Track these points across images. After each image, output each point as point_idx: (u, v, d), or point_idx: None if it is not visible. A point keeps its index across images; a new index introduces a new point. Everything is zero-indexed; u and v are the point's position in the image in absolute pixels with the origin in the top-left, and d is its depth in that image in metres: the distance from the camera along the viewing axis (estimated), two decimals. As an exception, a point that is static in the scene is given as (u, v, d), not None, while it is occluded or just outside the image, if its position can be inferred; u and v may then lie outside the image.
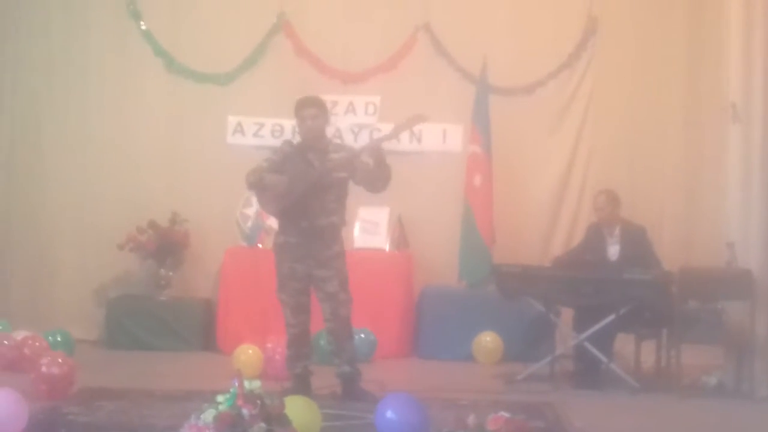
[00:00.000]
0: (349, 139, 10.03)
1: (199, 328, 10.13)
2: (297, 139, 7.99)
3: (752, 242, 8.29)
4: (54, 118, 10.64)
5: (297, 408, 5.54)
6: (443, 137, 10.32)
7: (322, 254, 7.57)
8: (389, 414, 6.04)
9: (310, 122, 7.66)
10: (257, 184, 7.61)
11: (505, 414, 5.21)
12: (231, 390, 4.95)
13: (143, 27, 10.65)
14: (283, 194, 7.49)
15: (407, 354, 9.93)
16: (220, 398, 4.96)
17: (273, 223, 10.01)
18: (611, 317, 8.33)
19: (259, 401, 4.93)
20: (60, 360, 7.55)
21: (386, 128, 9.99)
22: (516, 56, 10.56)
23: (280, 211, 7.66)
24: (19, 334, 8.99)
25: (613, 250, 8.87)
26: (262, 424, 4.86)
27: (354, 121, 10.36)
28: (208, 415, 4.88)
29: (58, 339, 9.15)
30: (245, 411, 4.87)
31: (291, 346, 7.73)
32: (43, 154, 10.67)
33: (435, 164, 10.25)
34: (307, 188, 7.45)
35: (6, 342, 8.77)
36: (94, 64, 10.67)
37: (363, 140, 10.05)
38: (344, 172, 7.59)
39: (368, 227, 10.10)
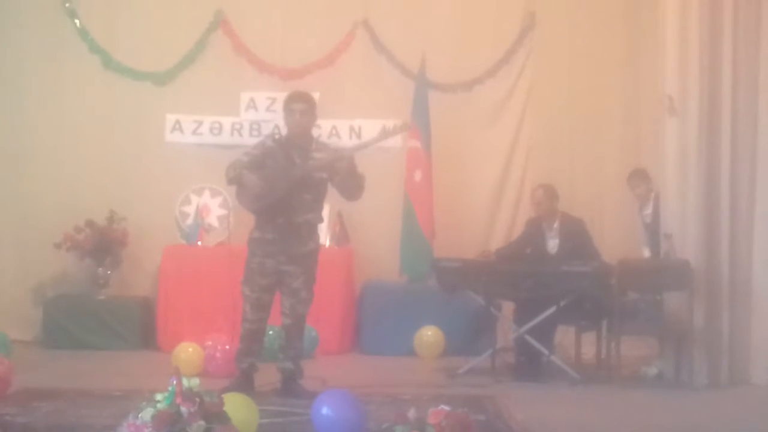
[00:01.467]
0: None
1: (139, 327, 10.06)
2: (279, 134, 7.87)
3: (689, 233, 8.38)
4: (-12, 116, 10.52)
5: (236, 405, 5.50)
6: (393, 129, 10.31)
7: (295, 250, 7.52)
8: (325, 410, 6.03)
9: (298, 116, 7.57)
10: (236, 180, 7.51)
11: (445, 407, 5.20)
12: (169, 388, 4.91)
13: (78, 24, 10.55)
14: (261, 195, 7.42)
15: (349, 350, 9.95)
16: (158, 396, 4.91)
17: (212, 221, 10.04)
18: (551, 310, 8.38)
19: (197, 399, 4.88)
20: (-3, 361, 7.46)
21: (325, 125, 10.06)
22: (455, 52, 10.61)
23: (258, 210, 7.58)
24: (-46, 336, 8.88)
25: (553, 244, 8.93)
26: (201, 422, 4.81)
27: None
28: (147, 413, 4.82)
29: (-5, 340, 9.05)
30: (184, 409, 4.82)
31: (243, 340, 7.67)
32: (-22, 153, 10.54)
33: (375, 160, 10.18)
34: (288, 187, 7.39)
35: (-60, 343, 8.65)
36: (29, 61, 10.55)
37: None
38: (325, 172, 7.53)
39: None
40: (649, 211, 8.98)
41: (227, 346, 8.35)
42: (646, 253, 9.07)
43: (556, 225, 8.94)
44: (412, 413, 5.15)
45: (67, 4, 10.53)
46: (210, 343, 8.62)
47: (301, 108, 7.59)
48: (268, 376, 7.67)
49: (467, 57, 10.65)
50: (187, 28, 10.61)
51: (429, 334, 9.72)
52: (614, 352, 8.47)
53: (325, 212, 9.58)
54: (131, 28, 10.62)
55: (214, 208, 10.27)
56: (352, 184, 7.60)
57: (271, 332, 8.16)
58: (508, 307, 9.12)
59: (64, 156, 10.50)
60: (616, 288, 8.32)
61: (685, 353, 8.36)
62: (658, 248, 8.73)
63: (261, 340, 7.76)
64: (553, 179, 9.40)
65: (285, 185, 7.40)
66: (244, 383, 7.44)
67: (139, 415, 4.84)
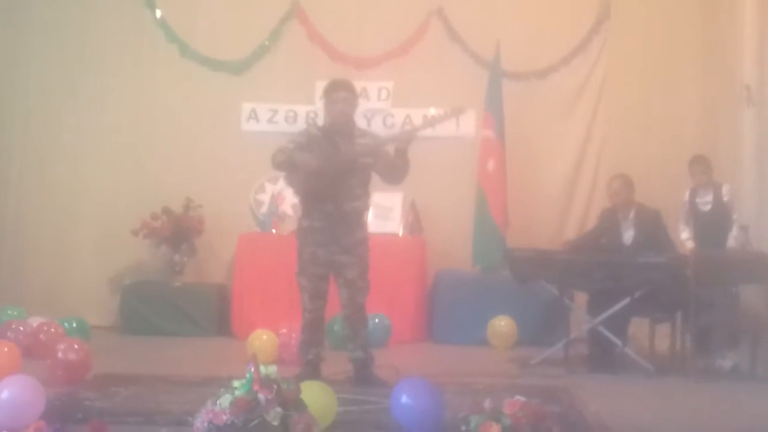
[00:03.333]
0: (361, 125, 10.03)
1: (214, 314, 10.19)
2: (320, 122, 7.90)
3: (766, 225, 8.27)
4: (70, 106, 10.71)
5: (313, 393, 5.55)
6: (456, 122, 10.24)
7: (345, 240, 7.53)
8: (404, 399, 6.04)
9: (342, 105, 7.58)
10: (286, 162, 7.51)
11: (521, 398, 5.21)
12: (247, 375, 4.96)
13: (158, 15, 10.67)
14: (314, 173, 7.40)
15: (422, 339, 9.96)
16: (236, 383, 4.97)
17: (287, 209, 10.12)
18: (625, 301, 8.33)
19: (275, 386, 4.94)
20: (76, 346, 7.57)
21: (399, 114, 10.09)
22: (529, 41, 10.57)
23: (308, 192, 7.57)
24: (35, 321, 9.02)
25: (628, 235, 8.85)
26: (279, 409, 4.86)
27: (367, 106, 10.35)
28: (225, 400, 4.89)
29: (74, 325, 9.20)
30: (261, 396, 4.88)
31: (305, 330, 7.69)
32: (60, 142, 10.74)
33: (448, 149, 10.25)
34: (336, 171, 7.40)
35: (22, 328, 8.80)
36: (109, 51, 10.73)
37: (376, 125, 10.10)
38: (369, 158, 7.53)
39: (382, 212, 10.10)
40: (708, 198, 8.91)
41: (301, 334, 8.39)
42: (685, 235, 9.01)
43: (631, 215, 8.87)
44: (487, 403, 5.17)
45: (147, -5, 10.69)
46: (284, 330, 8.68)
47: (344, 96, 7.59)
48: (340, 365, 7.71)
49: (541, 46, 10.62)
50: (263, 17, 10.69)
51: (502, 324, 9.71)
52: (688, 345, 8.42)
53: (398, 202, 9.69)
54: (208, 17, 10.75)
55: (288, 197, 10.28)
56: (397, 167, 7.58)
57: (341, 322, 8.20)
58: (581, 298, 9.10)
59: (141, 144, 10.66)
60: (692, 280, 8.25)
61: (761, 347, 8.27)
62: (717, 238, 8.68)
63: (322, 329, 7.79)
64: (627, 169, 9.31)
65: (334, 166, 7.39)
66: (310, 373, 7.44)
67: (218, 402, 4.90)
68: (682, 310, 8.49)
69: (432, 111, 9.88)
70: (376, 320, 9.01)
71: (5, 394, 5.82)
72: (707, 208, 8.93)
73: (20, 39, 10.76)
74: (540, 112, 10.56)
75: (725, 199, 8.84)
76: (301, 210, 7.76)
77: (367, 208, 7.79)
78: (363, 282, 7.62)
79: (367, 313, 7.81)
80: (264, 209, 10.34)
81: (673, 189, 9.88)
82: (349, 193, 7.50)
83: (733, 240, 8.68)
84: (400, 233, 10.04)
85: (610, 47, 10.54)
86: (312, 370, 7.59)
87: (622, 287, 8.35)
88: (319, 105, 10.36)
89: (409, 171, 7.64)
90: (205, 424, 4.87)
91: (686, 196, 9.12)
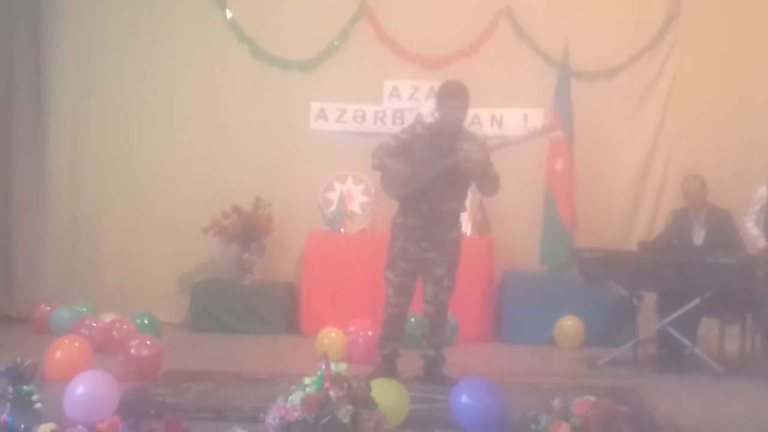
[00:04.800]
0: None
1: (282, 312, 10.25)
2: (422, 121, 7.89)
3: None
4: (140, 106, 10.83)
5: (383, 391, 5.58)
6: (524, 121, 10.27)
7: (438, 237, 7.55)
8: (464, 398, 6.08)
9: (458, 113, 7.58)
10: (380, 168, 7.57)
11: (590, 398, 5.21)
12: (318, 372, 5.01)
13: (228, 15, 10.76)
14: (406, 182, 7.44)
15: (489, 338, 9.97)
16: (307, 380, 5.02)
17: (355, 208, 10.17)
18: (695, 301, 8.27)
19: (346, 384, 4.99)
20: (148, 342, 7.69)
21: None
22: (598, 40, 10.48)
23: (401, 197, 7.63)
24: (108, 317, 9.15)
25: (699, 235, 8.80)
26: (349, 407, 4.91)
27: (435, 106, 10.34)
28: (296, 397, 4.94)
29: (145, 322, 9.32)
30: (332, 393, 4.92)
31: (386, 325, 7.71)
32: (130, 142, 10.86)
33: (516, 149, 10.14)
34: (433, 177, 7.41)
35: (95, 325, 8.93)
36: (179, 52, 10.82)
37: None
38: (470, 164, 7.45)
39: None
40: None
41: (369, 333, 8.40)
42: (756, 232, 8.96)
43: (703, 216, 8.82)
44: (556, 403, 5.17)
45: (218, -5, 10.79)
46: (353, 328, 8.73)
47: (461, 104, 7.58)
48: (410, 362, 7.74)
49: (610, 44, 10.52)
50: (332, 17, 10.71)
51: (569, 324, 9.69)
52: (759, 346, 8.35)
53: (468, 201, 9.68)
54: (278, 17, 10.78)
55: (357, 195, 10.39)
56: (485, 182, 7.62)
57: (413, 319, 8.23)
58: (649, 298, 9.05)
59: (211, 143, 10.75)
60: (763, 281, 8.17)
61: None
62: None
63: (403, 325, 7.80)
64: (696, 168, 9.29)
65: (430, 175, 7.41)
66: (387, 369, 7.49)
67: (289, 398, 4.96)
68: (752, 311, 8.43)
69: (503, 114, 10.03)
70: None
71: (80, 390, 5.95)
72: None
73: (93, 41, 10.92)
74: (609, 112, 10.50)
75: None
76: (397, 207, 7.75)
77: (463, 209, 7.83)
78: (449, 281, 7.64)
79: (447, 313, 7.84)
80: (333, 208, 10.38)
81: (743, 189, 9.79)
82: (446, 194, 7.53)
83: None
84: (468, 232, 10.03)
85: (681, 45, 10.43)
86: (388, 365, 7.63)
87: (692, 288, 8.29)
88: (387, 105, 10.49)
89: (497, 186, 7.66)
90: (277, 420, 4.93)
91: (763, 192, 9.03)
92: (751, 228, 9.05)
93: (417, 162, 7.45)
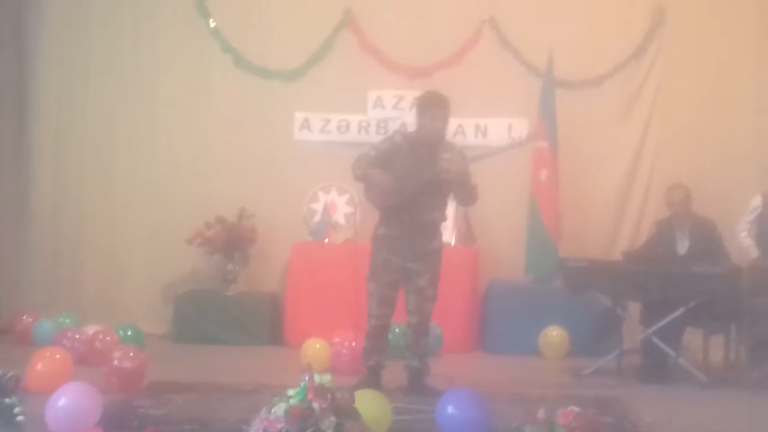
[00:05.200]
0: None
1: (267, 323, 10.22)
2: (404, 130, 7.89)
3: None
4: (124, 115, 10.82)
5: (367, 402, 5.56)
6: (509, 131, 10.27)
7: (420, 248, 7.54)
8: (450, 409, 6.06)
9: (440, 123, 7.58)
10: (362, 178, 7.55)
11: (575, 408, 5.20)
12: (301, 384, 4.98)
13: (212, 24, 10.75)
14: (389, 192, 7.43)
15: (474, 348, 9.96)
16: (290, 392, 4.98)
17: (339, 218, 10.16)
18: (679, 311, 8.27)
19: (329, 395, 4.95)
20: (131, 354, 7.64)
21: (451, 123, 9.94)
22: (582, 49, 10.50)
23: (385, 207, 7.61)
24: (91, 329, 9.12)
25: (683, 245, 8.80)
26: (333, 418, 4.87)
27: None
28: (279, 408, 4.90)
29: (129, 333, 9.32)
30: (316, 405, 4.89)
31: (369, 337, 7.69)
32: (114, 152, 10.84)
33: (500, 159, 10.11)
34: (416, 188, 7.41)
35: (77, 336, 8.89)
36: (163, 61, 10.82)
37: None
38: (450, 174, 7.43)
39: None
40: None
41: (354, 343, 8.38)
42: (749, 242, 8.99)
43: (687, 226, 8.83)
44: (541, 413, 5.16)
45: (200, 5, 10.75)
46: (337, 339, 8.71)
47: (443, 114, 7.58)
48: (394, 373, 7.71)
49: (595, 54, 10.54)
50: (316, 27, 10.70)
51: (554, 334, 9.70)
52: (743, 356, 8.35)
53: (450, 211, 9.65)
54: (262, 27, 10.79)
55: (341, 206, 10.37)
56: (463, 192, 7.61)
57: (397, 330, 8.21)
58: (633, 308, 9.04)
59: (195, 153, 10.74)
60: (747, 291, 8.18)
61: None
62: None
63: (387, 336, 7.78)
64: (681, 178, 9.30)
65: (413, 185, 7.41)
66: (372, 380, 7.47)
67: (272, 410, 4.92)
68: (736, 321, 8.43)
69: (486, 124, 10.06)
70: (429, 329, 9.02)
71: (63, 402, 5.91)
72: None
73: (76, 51, 10.90)
74: (593, 121, 10.51)
75: None
76: (378, 217, 7.74)
77: (444, 219, 7.77)
78: (432, 291, 7.62)
79: (430, 323, 7.83)
80: (317, 218, 10.37)
81: (727, 198, 9.81)
82: (427, 204, 7.52)
83: None
84: (453, 243, 10.03)
85: (665, 54, 10.45)
86: (373, 376, 7.62)
87: (676, 298, 8.30)
88: (371, 114, 10.48)
89: (475, 196, 7.65)
90: (260, 432, 4.90)
91: (757, 201, 9.05)
92: (744, 237, 9.06)
93: (399, 172, 7.44)
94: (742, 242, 9.05)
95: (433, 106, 7.59)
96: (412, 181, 7.40)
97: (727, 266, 8.42)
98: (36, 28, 10.92)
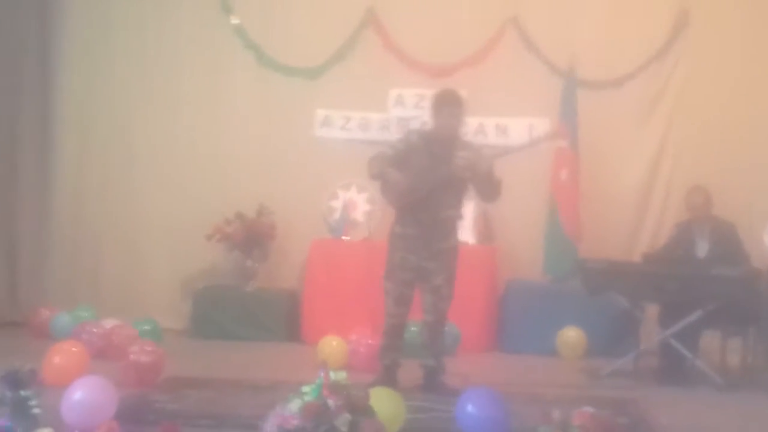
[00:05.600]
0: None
1: (284, 319, 10.23)
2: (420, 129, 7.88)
3: None
4: (145, 111, 10.85)
5: (382, 399, 5.57)
6: (530, 131, 10.22)
7: (436, 246, 7.52)
8: (470, 408, 6.05)
9: (454, 121, 7.57)
10: (379, 177, 7.55)
11: (590, 409, 5.19)
12: (317, 380, 5.00)
13: (234, 21, 10.76)
14: (406, 192, 7.43)
15: (491, 348, 9.94)
16: (305, 389, 5.00)
17: (358, 215, 10.16)
18: (697, 314, 8.25)
19: (344, 392, 4.97)
20: (149, 348, 7.67)
21: (472, 122, 10.04)
22: (605, 50, 10.46)
23: (402, 206, 7.60)
24: (108, 323, 9.15)
25: (702, 247, 8.77)
26: (347, 415, 4.89)
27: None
28: (294, 405, 4.92)
29: (146, 328, 9.33)
30: (331, 401, 4.91)
31: (386, 335, 7.70)
32: (135, 148, 10.89)
33: (521, 158, 10.08)
34: (433, 186, 7.41)
35: (95, 330, 8.93)
36: (185, 58, 10.85)
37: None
38: (468, 172, 7.46)
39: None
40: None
41: (371, 341, 8.39)
42: None
43: (707, 229, 8.80)
44: (556, 414, 5.15)
45: (223, 1, 10.79)
46: (354, 337, 8.71)
47: (457, 112, 7.56)
48: (411, 372, 7.71)
49: (617, 54, 10.49)
50: (339, 25, 10.72)
51: (571, 335, 9.67)
52: (761, 359, 8.33)
53: (469, 210, 9.64)
54: (284, 24, 10.81)
55: (360, 204, 10.37)
56: (488, 188, 7.59)
57: (413, 328, 8.21)
58: (651, 310, 9.02)
59: (216, 149, 10.75)
60: (766, 294, 8.15)
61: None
62: None
63: (403, 335, 7.77)
64: (702, 180, 9.26)
65: (429, 184, 7.41)
66: (388, 379, 7.46)
67: (287, 406, 4.94)
68: (755, 324, 8.40)
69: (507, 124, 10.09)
70: (446, 328, 9.00)
71: (78, 395, 5.93)
72: None
73: (99, 46, 10.94)
74: (614, 122, 10.46)
75: None
76: (395, 216, 7.74)
77: (460, 217, 7.77)
78: (448, 290, 7.61)
79: (446, 322, 7.82)
80: (336, 216, 10.38)
81: (747, 201, 9.76)
82: (444, 202, 7.51)
83: None
84: (472, 242, 10.02)
85: (688, 55, 10.39)
86: (389, 375, 7.61)
87: (695, 300, 8.27)
88: (392, 113, 10.47)
89: (499, 191, 7.61)
90: (275, 428, 4.90)
91: None
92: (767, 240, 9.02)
93: (415, 171, 7.44)
94: (767, 245, 9.01)
95: (448, 104, 7.58)
96: (429, 180, 7.40)
97: (745, 269, 8.38)
98: (59, 27, 10.97)
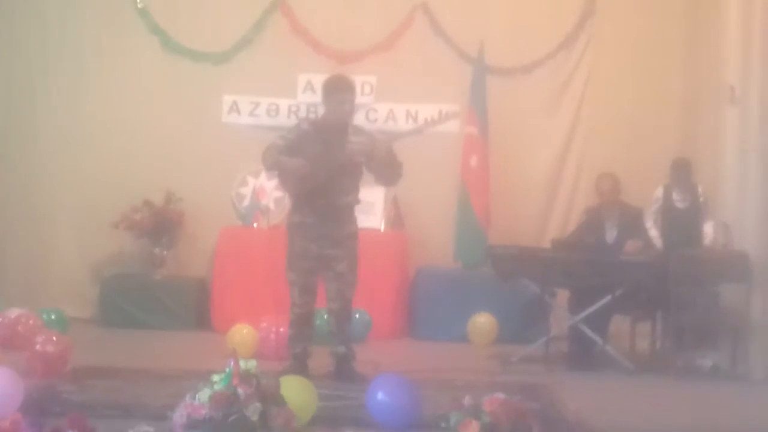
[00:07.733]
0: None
1: (194, 307, 10.15)
2: (311, 116, 7.82)
3: (748, 224, 8.29)
4: (49, 97, 10.65)
5: (293, 388, 5.53)
6: (440, 117, 10.22)
7: (336, 233, 7.50)
8: (381, 395, 6.03)
9: (347, 107, 7.53)
10: (274, 167, 7.53)
11: (501, 395, 5.20)
12: (227, 369, 4.94)
13: (139, 5, 10.60)
14: (305, 177, 7.38)
15: (402, 334, 9.93)
16: (215, 378, 4.96)
17: (269, 203, 10.07)
18: (607, 299, 8.33)
19: (254, 381, 4.93)
20: (55, 338, 7.55)
21: (382, 108, 10.04)
22: (514, 36, 10.53)
23: (301, 193, 7.55)
24: (13, 312, 8.95)
25: (611, 233, 8.86)
26: (258, 404, 4.85)
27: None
28: (204, 394, 4.87)
29: (52, 317, 9.17)
30: (241, 391, 4.86)
31: (294, 325, 7.66)
32: (39, 133, 10.65)
33: (431, 145, 10.16)
34: (329, 173, 7.36)
35: (0, 319, 8.75)
36: (89, 42, 10.65)
37: (358, 120, 10.03)
38: (363, 157, 7.46)
39: (364, 207, 9.95)
40: (685, 195, 9.01)
41: (281, 329, 8.31)
42: (653, 233, 9.06)
43: (616, 214, 8.88)
44: (467, 400, 5.16)
45: (128, -15, 10.64)
46: (264, 325, 8.65)
47: (350, 98, 7.55)
48: (321, 359, 7.68)
49: (526, 41, 10.57)
50: (246, 9, 10.63)
51: (482, 321, 9.71)
52: (669, 343, 8.43)
53: (380, 196, 9.64)
54: (190, 8, 10.69)
55: (270, 191, 10.28)
56: (387, 171, 7.59)
57: (325, 316, 8.17)
58: (561, 295, 9.07)
59: (122, 136, 10.57)
60: (673, 279, 8.25)
61: (742, 346, 8.27)
62: (690, 237, 8.80)
63: (311, 323, 7.75)
64: (609, 166, 9.37)
65: (325, 170, 7.36)
66: (298, 367, 7.43)
67: (197, 396, 4.89)
68: (663, 309, 8.50)
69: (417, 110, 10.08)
70: (356, 315, 8.94)
71: (-18, 386, 5.79)
72: (684, 205, 8.97)
73: (3, 26, 10.67)
74: (524, 108, 10.53)
75: (701, 200, 8.92)
76: (291, 205, 7.70)
77: (357, 202, 7.74)
78: (352, 276, 7.60)
79: (352, 308, 7.80)
80: (246, 203, 10.31)
81: (653, 187, 9.86)
82: (339, 189, 7.47)
83: (708, 239, 8.75)
84: (382, 228, 10.01)
85: (595, 44, 10.51)
86: (299, 364, 7.56)
87: (604, 285, 8.35)
88: (301, 99, 10.41)
89: (401, 173, 7.61)
90: (184, 418, 4.86)
91: (659, 192, 9.15)
92: (650, 228, 9.12)
93: (309, 159, 7.37)
94: (650, 234, 9.11)
95: (339, 90, 7.56)
96: (324, 166, 7.36)
97: (655, 255, 8.49)
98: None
